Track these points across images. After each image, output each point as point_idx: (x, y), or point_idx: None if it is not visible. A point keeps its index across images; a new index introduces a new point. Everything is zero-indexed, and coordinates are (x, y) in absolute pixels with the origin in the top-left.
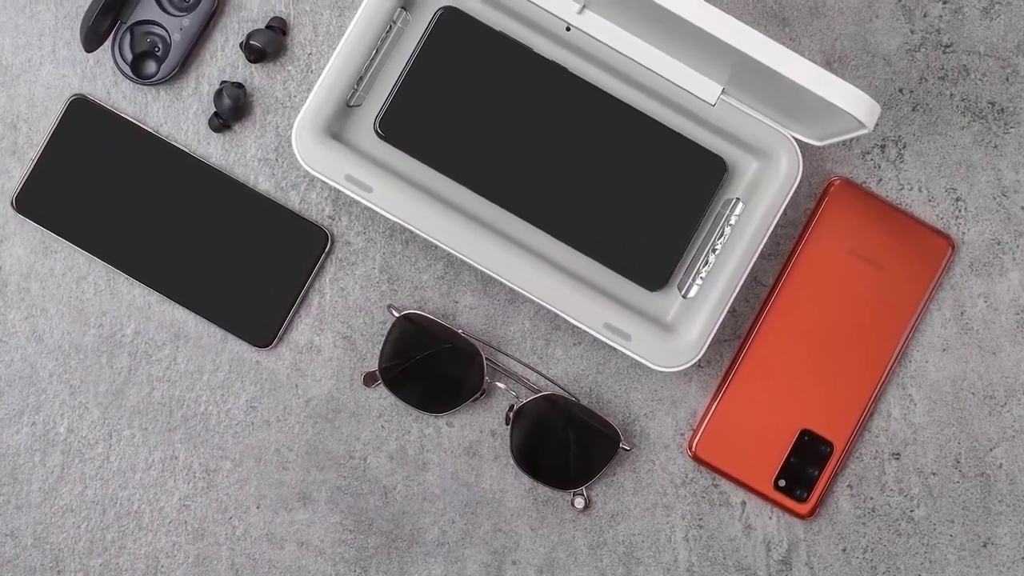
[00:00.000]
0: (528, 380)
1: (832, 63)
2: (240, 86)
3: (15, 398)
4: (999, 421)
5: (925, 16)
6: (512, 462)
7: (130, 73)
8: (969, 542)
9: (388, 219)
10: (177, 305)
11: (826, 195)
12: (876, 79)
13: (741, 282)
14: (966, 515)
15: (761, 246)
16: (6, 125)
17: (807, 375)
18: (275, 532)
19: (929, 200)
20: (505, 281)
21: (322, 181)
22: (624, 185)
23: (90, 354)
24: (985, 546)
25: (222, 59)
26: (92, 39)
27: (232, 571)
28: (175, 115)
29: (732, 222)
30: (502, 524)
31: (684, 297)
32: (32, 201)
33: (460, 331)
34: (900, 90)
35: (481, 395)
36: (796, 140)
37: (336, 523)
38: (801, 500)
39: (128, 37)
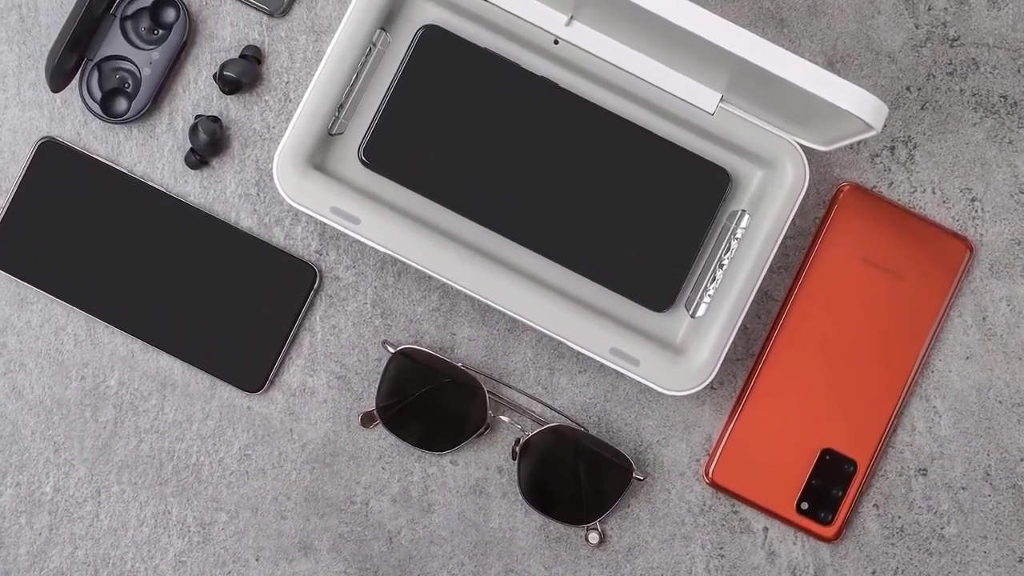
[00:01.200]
0: (533, 412)
1: (834, 63)
2: (216, 120)
3: None
4: None
5: (930, 9)
6: (521, 499)
7: (100, 112)
8: (1004, 558)
9: (378, 251)
10: (162, 352)
11: (835, 202)
12: (881, 78)
13: (751, 298)
14: (999, 530)
15: (770, 259)
16: None
17: (825, 391)
18: None
19: (943, 202)
20: (504, 310)
21: (307, 215)
22: (623, 202)
23: (73, 408)
24: (1021, 561)
25: (196, 92)
26: (58, 78)
27: None
28: (149, 153)
29: (739, 235)
30: (514, 564)
31: (692, 317)
32: (4, 251)
33: (459, 364)
34: (907, 88)
35: (485, 430)
36: (801, 146)
37: (340, 572)
38: (826, 523)
39: (96, 74)
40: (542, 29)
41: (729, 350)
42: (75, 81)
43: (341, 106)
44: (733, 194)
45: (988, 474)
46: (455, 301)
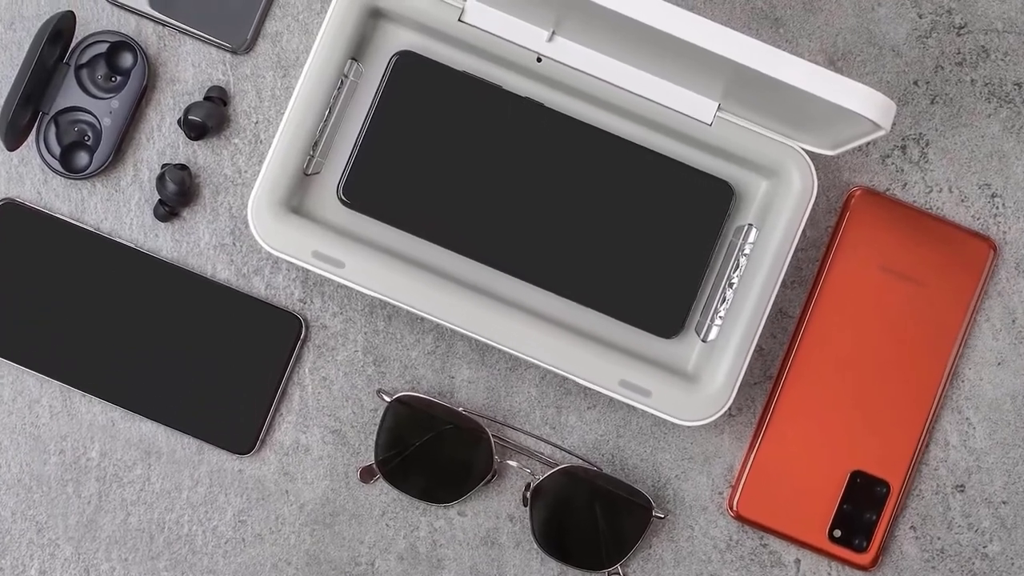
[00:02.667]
0: (543, 454)
1: (836, 62)
2: (184, 168)
3: None
4: None
5: None
6: (536, 547)
7: (60, 168)
8: None
9: (366, 295)
10: (144, 419)
11: (847, 209)
12: (887, 73)
13: (765, 317)
14: None
15: (782, 274)
16: None
17: (851, 411)
18: None
19: (962, 200)
20: (504, 348)
21: (287, 262)
22: (622, 225)
23: (54, 485)
24: None
25: (160, 140)
26: (13, 136)
27: None
28: (116, 209)
29: (747, 251)
30: None
31: (704, 341)
32: None
33: (461, 409)
34: (915, 82)
35: (493, 477)
36: (806, 152)
37: None
38: (861, 550)
39: (53, 128)
40: (523, 47)
41: (745, 374)
42: (31, 137)
43: (315, 144)
44: (738, 208)
45: None
46: (451, 342)
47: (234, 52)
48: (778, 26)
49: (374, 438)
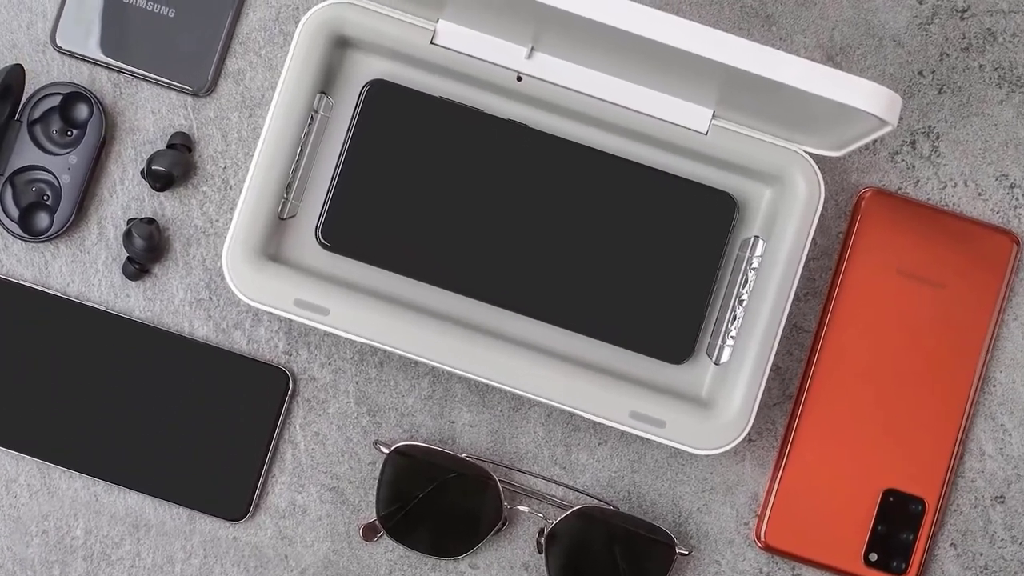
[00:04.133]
0: (555, 497)
1: (834, 57)
2: (151, 221)
3: None
4: None
5: None
6: None
7: (20, 232)
8: None
9: (354, 342)
10: (129, 490)
11: (858, 212)
12: (889, 65)
13: (779, 333)
14: None
15: (794, 287)
16: None
17: (878, 426)
18: None
19: (979, 194)
20: (505, 387)
21: (268, 313)
22: (621, 247)
23: (39, 567)
24: None
25: (124, 194)
26: None
27: None
28: (82, 270)
29: (755, 265)
30: None
31: (716, 364)
32: None
33: (464, 455)
34: (920, 73)
35: (503, 525)
36: (810, 155)
37: None
38: (900, 572)
39: (9, 190)
40: (501, 67)
41: (763, 395)
42: None
43: (289, 185)
44: (742, 220)
45: None
46: (448, 385)
47: (195, 95)
48: (770, 24)
49: (374, 493)
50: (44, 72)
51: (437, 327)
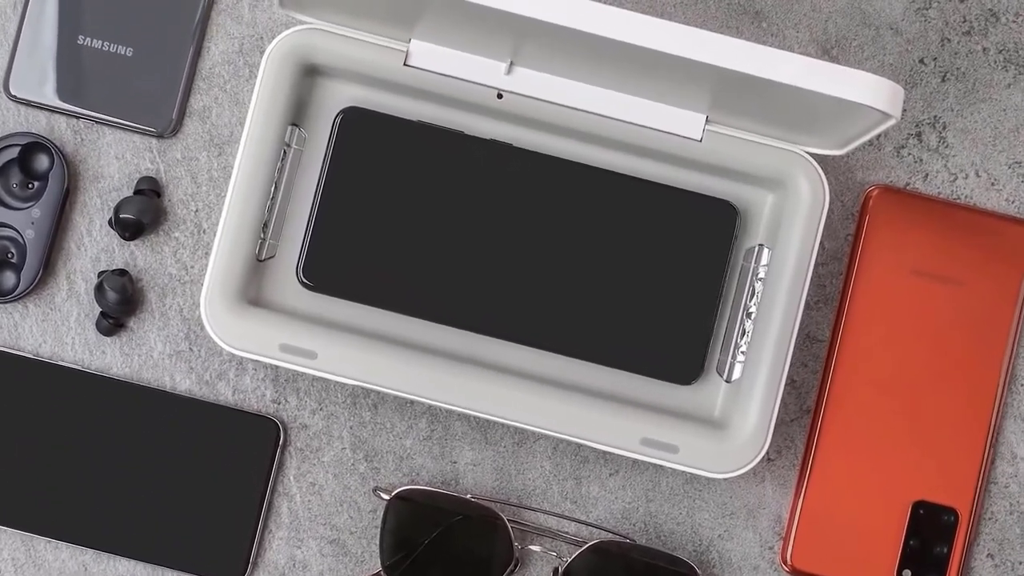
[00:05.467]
0: (567, 533)
1: (830, 50)
2: (123, 273)
3: None
4: None
5: None
6: None
7: None
8: None
9: (345, 385)
10: (119, 558)
11: (866, 211)
12: (888, 55)
13: (791, 345)
14: None
15: (804, 295)
16: None
17: (903, 436)
18: None
19: (992, 184)
20: (507, 421)
21: (253, 360)
22: (619, 266)
23: None
24: None
25: (92, 246)
26: None
27: None
28: (54, 329)
29: (761, 275)
30: None
31: (728, 382)
32: None
33: (469, 496)
34: (921, 61)
35: (516, 567)
36: (812, 155)
37: None
38: None
39: None
40: (480, 84)
41: (779, 411)
42: None
43: (265, 225)
44: (745, 228)
45: None
46: (448, 423)
47: (160, 136)
48: (760, 20)
49: (377, 543)
50: None
51: (432, 363)
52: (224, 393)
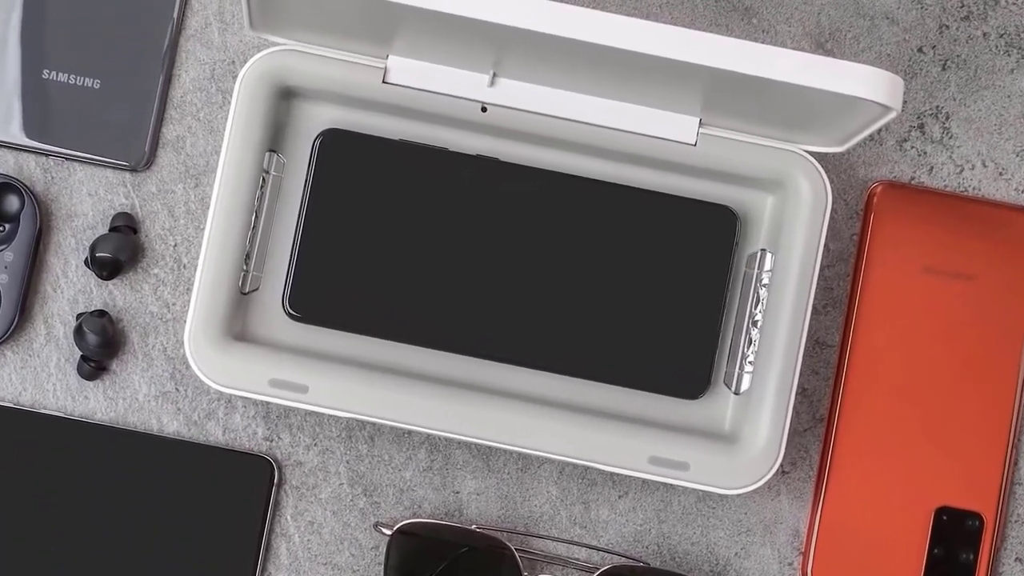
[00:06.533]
0: (578, 560)
1: (824, 44)
2: (103, 314)
3: None
4: None
5: None
6: None
7: None
8: None
9: (339, 418)
10: None
11: (871, 209)
12: (885, 45)
13: (801, 352)
14: None
15: (811, 300)
16: None
17: (921, 440)
18: None
19: (1000, 173)
20: (509, 447)
21: (242, 397)
22: (618, 280)
23: None
24: None
25: (69, 287)
26: None
27: None
28: (33, 376)
29: (765, 281)
30: None
31: (737, 394)
32: None
33: (474, 527)
34: (920, 49)
35: None
36: (811, 154)
37: None
38: None
39: None
40: (463, 98)
41: (791, 422)
42: None
43: (248, 256)
44: (746, 234)
45: None
46: (448, 452)
47: (133, 170)
48: (750, 16)
49: None
50: None
51: (428, 391)
52: (214, 433)
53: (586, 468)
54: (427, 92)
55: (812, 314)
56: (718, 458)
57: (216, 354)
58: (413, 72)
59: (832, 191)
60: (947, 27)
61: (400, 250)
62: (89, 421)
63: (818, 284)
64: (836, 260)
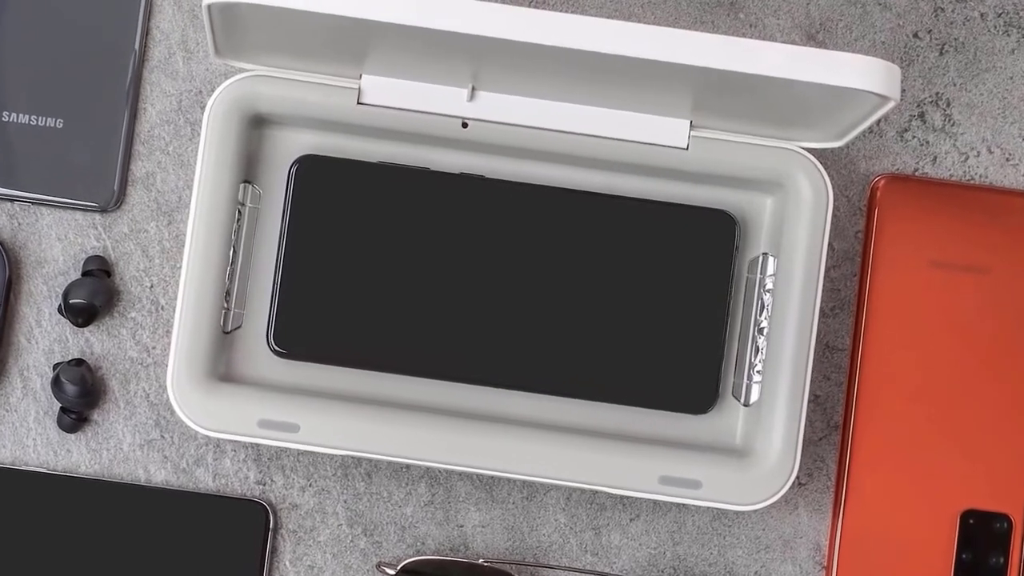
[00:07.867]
0: None
1: (815, 35)
2: (80, 362)
3: None
4: None
5: None
6: None
7: None
8: None
9: (333, 456)
10: None
11: (874, 204)
12: (879, 33)
13: (810, 359)
14: None
15: (818, 302)
16: None
17: (941, 442)
18: None
19: (1007, 159)
20: (512, 475)
21: (231, 441)
22: (616, 295)
23: None
24: None
25: (44, 337)
26: None
27: None
28: (12, 432)
29: (769, 286)
30: None
31: (746, 405)
32: None
33: (481, 560)
34: (915, 35)
35: None
36: (809, 151)
37: None
38: None
39: None
40: (442, 115)
41: (805, 431)
42: None
43: (228, 293)
44: (746, 238)
45: None
46: (449, 485)
47: (103, 210)
48: (736, 10)
49: None
50: None
51: (425, 422)
52: (204, 480)
53: (594, 492)
54: (404, 111)
55: (820, 317)
56: (731, 474)
57: (201, 397)
58: (388, 90)
59: (833, 188)
60: (942, 9)
61: (387, 277)
62: (73, 475)
63: (824, 286)
64: (842, 260)
